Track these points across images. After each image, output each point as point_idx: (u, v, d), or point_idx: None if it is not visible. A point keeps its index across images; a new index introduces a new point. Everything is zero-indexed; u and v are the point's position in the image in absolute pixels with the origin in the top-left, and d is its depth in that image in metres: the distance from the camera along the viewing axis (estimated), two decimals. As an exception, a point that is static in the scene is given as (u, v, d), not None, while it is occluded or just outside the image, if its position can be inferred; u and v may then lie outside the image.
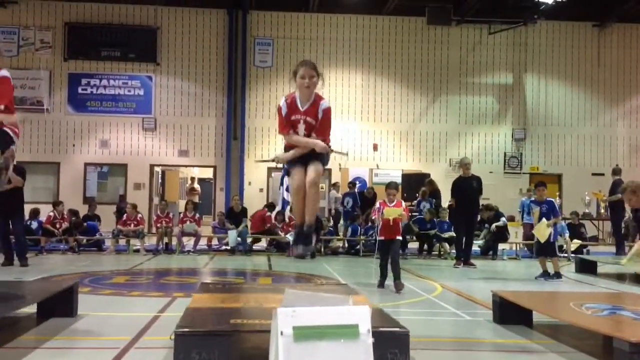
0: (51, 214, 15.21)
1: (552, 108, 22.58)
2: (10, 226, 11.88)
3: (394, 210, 8.90)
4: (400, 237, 9.23)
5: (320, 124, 5.11)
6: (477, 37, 22.37)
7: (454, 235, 14.17)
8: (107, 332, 5.92)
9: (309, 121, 5.12)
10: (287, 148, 5.30)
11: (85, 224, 15.80)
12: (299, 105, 5.15)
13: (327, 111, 5.12)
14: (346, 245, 16.37)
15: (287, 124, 5.18)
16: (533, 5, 20.32)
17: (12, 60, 21.13)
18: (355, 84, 21.93)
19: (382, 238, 9.12)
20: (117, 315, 6.86)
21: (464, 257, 12.90)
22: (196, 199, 23.01)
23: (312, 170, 5.06)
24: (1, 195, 11.05)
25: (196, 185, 24.53)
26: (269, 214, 16.50)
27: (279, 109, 5.24)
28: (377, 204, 9.29)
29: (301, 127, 5.14)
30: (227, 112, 21.53)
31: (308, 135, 5.14)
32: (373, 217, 9.30)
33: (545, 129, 22.51)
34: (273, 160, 5.99)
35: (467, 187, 12.98)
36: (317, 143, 5.07)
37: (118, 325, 6.29)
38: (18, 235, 11.86)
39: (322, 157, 5.17)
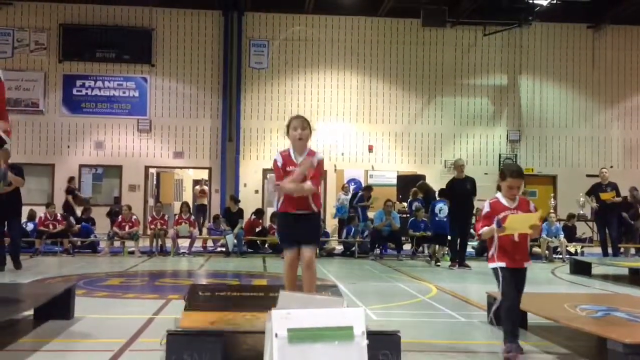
0: (42, 215, 15.19)
1: (547, 109, 22.65)
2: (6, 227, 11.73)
3: (525, 218, 5.06)
4: (529, 263, 5.32)
5: (315, 172, 5.30)
6: (472, 38, 22.42)
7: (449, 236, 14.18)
8: (102, 335, 5.91)
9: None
10: (282, 215, 5.47)
11: (78, 225, 15.80)
12: (294, 158, 5.36)
13: (321, 162, 5.37)
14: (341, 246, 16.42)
15: (283, 175, 5.37)
16: (528, 6, 20.38)
17: (7, 62, 21.12)
18: (350, 85, 21.94)
19: (503, 265, 5.18)
20: (112, 318, 6.84)
21: (458, 259, 12.93)
22: (205, 202, 22.91)
23: (308, 250, 5.28)
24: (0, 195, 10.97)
25: (205, 188, 24.36)
26: (254, 217, 16.68)
27: (275, 163, 5.45)
28: (487, 205, 5.29)
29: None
30: (222, 113, 21.52)
31: None
32: (480, 231, 5.28)
33: (540, 131, 22.57)
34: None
35: (461, 188, 13.01)
36: (305, 185, 5.24)
37: (113, 327, 6.27)
38: (14, 237, 11.59)
39: (315, 234, 5.42)
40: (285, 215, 5.38)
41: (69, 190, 19.03)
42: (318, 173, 5.34)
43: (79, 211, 17.31)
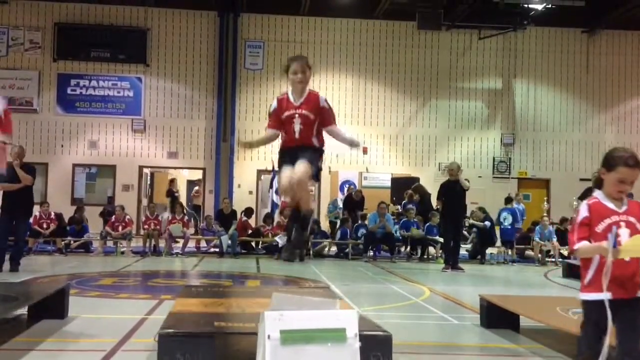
0: (37, 214, 15.12)
1: (541, 113, 22.70)
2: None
3: None
4: None
5: (330, 114, 5.28)
6: (467, 42, 22.46)
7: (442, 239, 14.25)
8: (94, 334, 5.90)
9: (305, 114, 5.17)
10: (282, 150, 5.34)
11: (68, 227, 15.74)
12: (293, 100, 5.23)
13: (328, 102, 5.30)
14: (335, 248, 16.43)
15: (275, 121, 5.29)
16: (523, 11, 20.43)
17: (1, 60, 21.05)
18: (345, 87, 21.95)
19: (610, 296, 3.38)
20: (104, 318, 6.83)
21: (452, 261, 12.96)
22: (199, 202, 22.85)
23: (297, 169, 5.05)
24: (10, 194, 10.83)
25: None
26: (245, 218, 16.65)
27: (270, 108, 5.37)
28: (583, 209, 3.61)
29: (297, 122, 5.18)
30: (217, 114, 21.48)
31: (304, 128, 5.18)
32: (576, 246, 3.51)
33: (534, 134, 22.62)
34: (250, 145, 6.07)
35: (453, 190, 13.07)
36: (352, 139, 5.59)
37: (105, 327, 6.27)
38: (19, 238, 11.28)
39: (312, 158, 5.16)
40: (285, 149, 5.30)
41: (169, 193, 18.98)
42: (333, 114, 5.35)
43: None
